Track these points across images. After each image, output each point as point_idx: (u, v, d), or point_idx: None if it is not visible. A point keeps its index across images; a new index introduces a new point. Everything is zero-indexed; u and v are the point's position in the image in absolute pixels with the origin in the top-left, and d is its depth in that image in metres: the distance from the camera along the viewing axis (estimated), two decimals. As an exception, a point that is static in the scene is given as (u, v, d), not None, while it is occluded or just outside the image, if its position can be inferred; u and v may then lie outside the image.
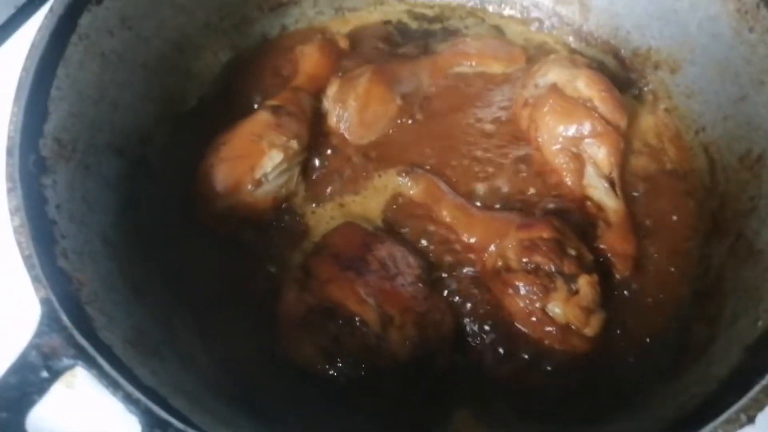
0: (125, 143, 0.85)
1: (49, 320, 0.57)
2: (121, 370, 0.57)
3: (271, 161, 0.87)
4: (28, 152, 0.67)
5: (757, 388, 0.56)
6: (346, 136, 0.94)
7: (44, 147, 0.70)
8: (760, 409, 0.55)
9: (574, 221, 0.88)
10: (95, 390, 0.89)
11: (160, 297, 0.79)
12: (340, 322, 0.77)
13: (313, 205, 0.92)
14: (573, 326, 0.79)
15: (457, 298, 0.84)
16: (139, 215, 0.84)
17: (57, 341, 0.56)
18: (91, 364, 0.55)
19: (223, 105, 0.99)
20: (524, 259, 0.81)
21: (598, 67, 1.01)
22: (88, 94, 0.79)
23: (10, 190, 0.63)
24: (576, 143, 0.90)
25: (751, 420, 0.55)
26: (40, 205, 0.66)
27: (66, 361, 0.56)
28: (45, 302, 0.58)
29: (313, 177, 0.93)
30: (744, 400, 0.55)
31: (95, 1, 0.79)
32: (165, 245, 0.84)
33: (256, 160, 0.86)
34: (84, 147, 0.77)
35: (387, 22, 1.11)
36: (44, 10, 1.21)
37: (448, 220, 0.89)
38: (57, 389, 0.93)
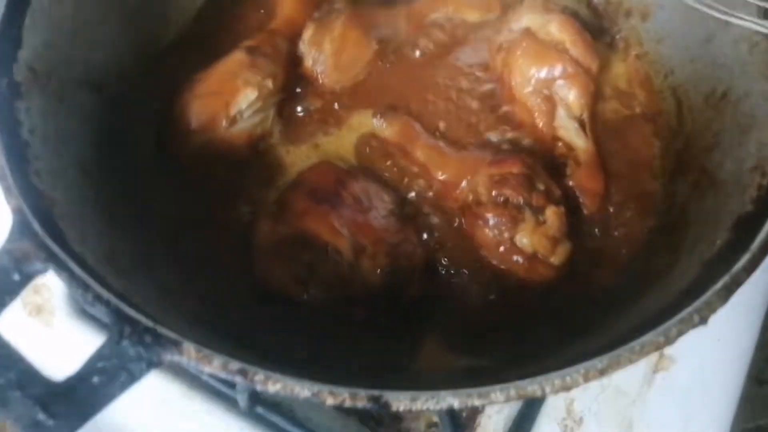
0: (102, 79, 0.86)
1: (21, 227, 0.58)
2: (91, 275, 0.58)
3: (246, 98, 0.88)
4: (1, 75, 0.68)
5: (709, 293, 0.59)
6: (322, 79, 0.95)
7: (18, 72, 0.70)
8: (713, 311, 0.57)
9: (545, 160, 0.90)
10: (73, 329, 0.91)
11: (134, 229, 0.80)
12: (314, 250, 0.79)
13: (289, 145, 0.93)
14: (540, 255, 0.81)
15: (429, 231, 0.86)
16: (115, 149, 0.84)
17: (29, 246, 0.57)
18: (61, 267, 0.57)
19: (201, 46, 1.00)
20: (494, 192, 0.83)
21: (572, 15, 1.04)
22: (61, 29, 0.79)
23: (-18, 108, 0.64)
24: (548, 85, 0.92)
25: (703, 321, 0.57)
26: (14, 126, 0.67)
27: (37, 265, 0.57)
28: (17, 212, 0.59)
29: (289, 118, 0.95)
30: (697, 303, 0.58)
31: (69, -67, 0.80)
32: (141, 180, 0.85)
33: (230, 97, 0.88)
34: (59, 79, 0.77)
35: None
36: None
37: (421, 159, 0.91)
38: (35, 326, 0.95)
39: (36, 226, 0.59)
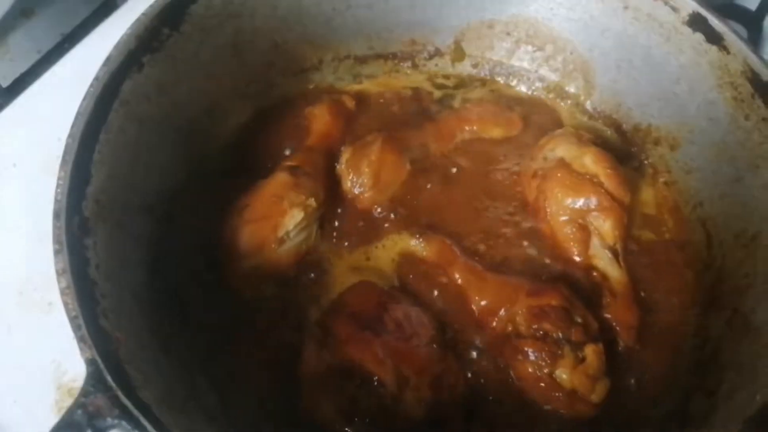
0: (155, 201, 0.89)
1: (95, 380, 0.60)
2: (157, 427, 0.60)
3: (293, 220, 0.92)
4: (72, 214, 0.71)
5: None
6: (361, 200, 0.99)
7: (86, 209, 0.74)
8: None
9: (580, 290, 0.93)
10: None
11: (185, 355, 0.82)
12: (359, 382, 0.81)
13: (332, 260, 0.96)
14: (579, 392, 0.82)
15: (470, 360, 0.88)
16: (166, 273, 0.87)
17: (102, 401, 0.59)
18: (134, 424, 0.58)
19: (245, 164, 1.04)
20: (534, 326, 0.85)
21: (601, 139, 1.09)
22: (125, 158, 0.83)
23: (57, 252, 0.67)
24: (582, 215, 0.96)
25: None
26: (83, 267, 0.70)
27: (110, 421, 0.58)
28: (91, 363, 0.61)
29: (331, 234, 0.98)
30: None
31: (137, 69, 0.84)
32: (190, 303, 0.88)
33: (278, 219, 0.91)
34: (120, 207, 0.81)
35: (404, 89, 1.16)
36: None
37: (460, 282, 0.94)
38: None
39: (108, 377, 0.61)
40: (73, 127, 0.75)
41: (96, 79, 0.79)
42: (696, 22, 0.94)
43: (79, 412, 0.58)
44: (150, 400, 0.64)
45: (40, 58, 1.32)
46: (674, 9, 0.95)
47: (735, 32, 0.91)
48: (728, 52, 0.91)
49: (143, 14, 0.86)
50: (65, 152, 0.73)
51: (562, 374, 0.83)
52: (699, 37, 0.94)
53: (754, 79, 0.89)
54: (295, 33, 1.07)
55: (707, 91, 0.95)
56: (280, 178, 0.95)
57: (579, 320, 0.86)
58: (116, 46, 0.82)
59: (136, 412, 0.59)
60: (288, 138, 1.07)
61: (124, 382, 0.62)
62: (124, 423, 0.58)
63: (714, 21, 0.92)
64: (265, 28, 1.03)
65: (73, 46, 1.33)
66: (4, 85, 1.27)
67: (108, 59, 0.81)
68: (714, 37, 0.92)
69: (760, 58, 0.88)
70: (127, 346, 0.69)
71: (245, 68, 1.04)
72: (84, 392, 0.60)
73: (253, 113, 1.08)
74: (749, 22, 1.44)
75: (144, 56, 0.85)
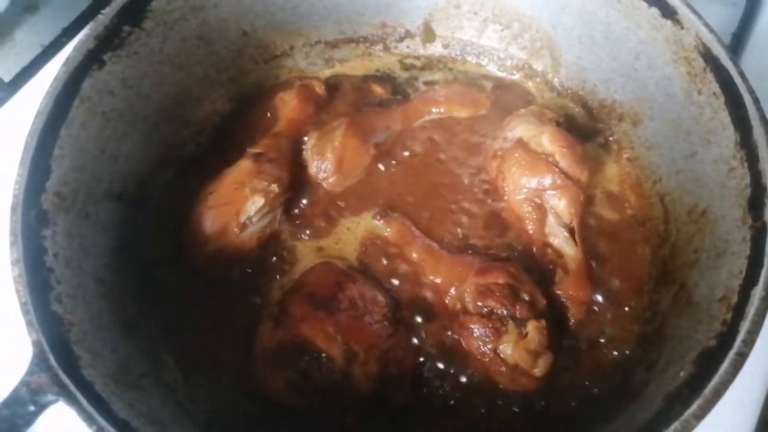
0: (124, 189, 0.94)
1: (39, 360, 0.66)
2: (98, 405, 0.65)
3: (254, 205, 0.95)
4: (29, 208, 0.76)
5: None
6: (325, 184, 1.02)
7: (45, 201, 0.79)
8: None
9: (534, 267, 0.95)
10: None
11: (148, 332, 0.88)
12: (309, 357, 0.85)
13: (295, 243, 1.00)
14: (521, 367, 0.85)
15: (419, 335, 0.91)
16: (133, 256, 0.92)
17: (44, 379, 0.65)
18: (71, 400, 0.64)
19: (219, 151, 1.08)
20: (479, 303, 0.87)
21: (569, 116, 1.09)
22: (88, 150, 0.88)
23: (12, 244, 0.73)
24: (538, 194, 0.97)
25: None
26: (39, 255, 0.75)
27: (50, 397, 0.64)
28: (36, 344, 0.67)
29: (295, 217, 1.02)
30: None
31: (97, 67, 0.89)
32: (156, 283, 0.93)
33: (240, 205, 0.95)
34: (84, 197, 0.86)
35: (378, 72, 1.19)
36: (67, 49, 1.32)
37: (416, 261, 0.97)
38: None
39: (51, 357, 0.67)
40: (32, 125, 0.80)
41: (55, 79, 0.84)
42: (651, -3, 0.93)
43: (24, 389, 0.64)
44: (94, 377, 0.70)
45: (41, 52, 1.38)
46: (630, -17, 0.94)
47: (689, 6, 0.90)
48: (682, 27, 0.90)
49: (102, 13, 0.90)
50: (24, 150, 0.78)
51: (506, 349, 0.85)
52: (654, 11, 0.93)
53: (705, 53, 0.88)
54: (263, 21, 1.10)
55: (664, 66, 0.94)
56: (244, 165, 0.98)
57: (526, 297, 0.88)
58: (75, 47, 0.87)
59: (73, 389, 0.65)
60: (260, 123, 1.11)
61: (68, 362, 0.68)
62: (62, 399, 0.64)
63: (667, -5, 0.91)
64: (232, 17, 1.06)
65: (71, 39, 1.39)
66: (6, 79, 1.34)
67: (67, 60, 0.85)
68: (668, 11, 0.91)
69: (712, 31, 0.87)
70: (81, 327, 0.75)
71: (215, 57, 1.08)
72: (29, 371, 0.66)
73: (227, 99, 1.12)
74: None
75: (104, 54, 0.89)
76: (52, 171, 0.81)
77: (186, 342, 0.91)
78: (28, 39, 1.41)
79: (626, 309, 0.93)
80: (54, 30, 1.41)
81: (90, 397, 0.66)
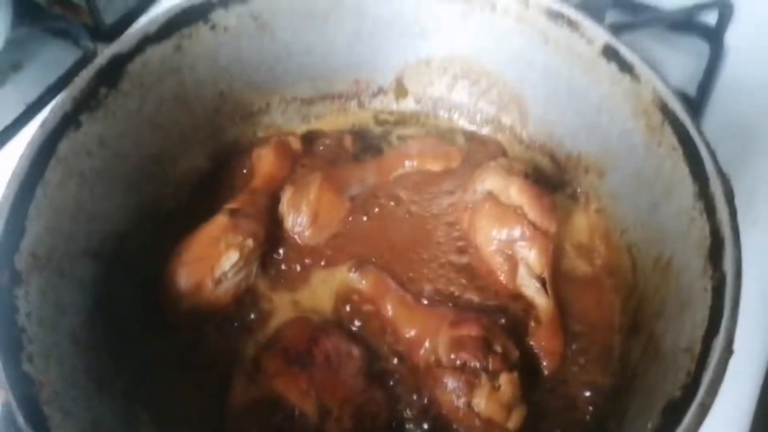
0: (101, 247, 0.95)
1: (6, 422, 0.66)
2: (65, 469, 0.65)
3: (229, 261, 0.96)
4: (2, 268, 0.77)
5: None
6: (300, 238, 1.04)
7: (19, 261, 0.80)
8: None
9: (507, 318, 0.96)
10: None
11: (123, 389, 0.88)
12: (282, 413, 0.85)
13: (271, 297, 1.01)
14: (494, 420, 0.85)
15: (395, 389, 0.92)
16: (109, 313, 0.93)
17: (11, 442, 0.65)
18: (37, 464, 0.64)
19: (197, 207, 1.09)
20: (452, 356, 0.88)
21: (537, 168, 1.12)
22: (65, 209, 0.89)
23: (-18, 305, 0.73)
24: (509, 246, 0.99)
25: None
26: (11, 315, 0.76)
27: (17, 461, 0.64)
28: (5, 405, 0.67)
29: (272, 271, 1.03)
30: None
31: (74, 128, 0.91)
32: (132, 341, 0.93)
33: (215, 260, 0.96)
34: (59, 256, 0.87)
35: (353, 127, 1.22)
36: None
37: (390, 314, 0.98)
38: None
39: (20, 419, 0.67)
40: (6, 188, 0.82)
41: (31, 141, 0.85)
42: (609, 53, 0.97)
43: (-11, 452, 0.64)
44: (64, 439, 0.70)
45: (24, 111, 1.41)
46: (589, 41, 0.98)
47: (645, 61, 0.94)
48: (639, 81, 0.94)
49: (79, 76, 0.92)
50: (-2, 211, 0.80)
51: (480, 403, 0.86)
52: (613, 67, 0.97)
53: (662, 107, 0.91)
54: (239, 81, 1.13)
55: (624, 120, 0.97)
56: (219, 221, 1.00)
57: (498, 349, 0.89)
58: (52, 109, 0.89)
59: (40, 452, 0.64)
60: (237, 179, 1.13)
61: (37, 423, 0.68)
62: (29, 462, 0.64)
63: (625, 51, 0.95)
64: (208, 79, 1.09)
65: (54, 98, 1.41)
66: (-12, 139, 1.36)
67: (43, 122, 0.87)
68: (626, 67, 0.95)
69: (667, 86, 0.91)
70: (54, 386, 0.75)
71: (192, 116, 1.10)
72: (-5, 432, 0.65)
73: (205, 157, 1.14)
74: (710, 37, 1.46)
75: (81, 115, 0.91)
76: (27, 231, 0.82)
77: (161, 399, 0.91)
78: (11, 97, 1.44)
79: (598, 360, 0.94)
80: (38, 88, 1.44)
81: (57, 460, 0.66)
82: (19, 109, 1.42)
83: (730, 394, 0.70)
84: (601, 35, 0.97)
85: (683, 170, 0.87)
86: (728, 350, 0.71)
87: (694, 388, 0.70)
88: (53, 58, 1.49)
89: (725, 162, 0.85)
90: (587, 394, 0.91)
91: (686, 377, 0.73)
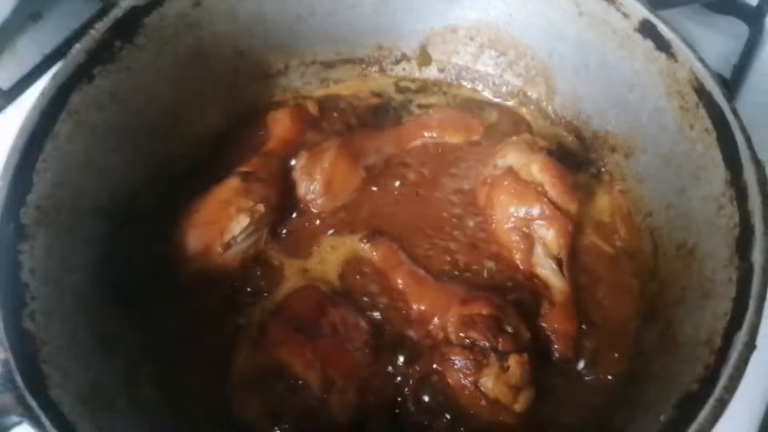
0: (110, 204, 0.93)
1: (5, 380, 0.65)
2: (62, 429, 0.64)
3: (239, 225, 0.95)
4: (7, 222, 0.76)
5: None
6: (313, 205, 1.01)
7: (25, 215, 0.79)
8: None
9: (520, 298, 0.94)
10: None
11: (126, 350, 0.87)
12: (285, 383, 0.84)
13: (280, 264, 0.99)
14: (501, 401, 0.83)
15: (400, 364, 0.90)
16: (116, 271, 0.91)
17: (9, 399, 0.64)
18: (35, 422, 0.63)
19: (211, 168, 1.07)
20: (461, 334, 0.86)
21: (562, 145, 1.08)
22: (74, 163, 0.87)
23: (-15, 258, 0.72)
24: (527, 224, 0.96)
25: None
26: (14, 271, 0.75)
27: (14, 418, 0.63)
28: (4, 363, 0.66)
29: (281, 238, 1.01)
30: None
31: (86, 81, 0.88)
32: (138, 301, 0.92)
33: (224, 224, 0.94)
34: (67, 211, 0.85)
35: (373, 94, 1.18)
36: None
37: (401, 287, 0.95)
38: None
39: (18, 377, 0.66)
40: (16, 138, 0.80)
41: (42, 92, 0.83)
42: (646, 29, 0.92)
43: (-13, 408, 0.63)
44: (63, 398, 0.69)
45: (41, 61, 1.39)
46: (626, 15, 0.94)
47: (684, 40, 0.89)
48: (676, 60, 0.89)
49: (94, 28, 0.90)
50: (5, 163, 0.78)
51: (487, 383, 0.84)
52: (649, 44, 0.92)
53: (699, 88, 0.87)
54: (258, 40, 1.09)
55: (657, 99, 0.93)
56: (231, 184, 0.98)
57: (509, 330, 0.86)
58: (65, 60, 0.86)
59: (38, 411, 0.64)
60: (252, 142, 1.10)
61: (35, 382, 0.67)
62: (26, 421, 0.63)
63: (663, 28, 0.90)
64: (227, 36, 1.06)
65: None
66: (5, 87, 1.34)
67: (56, 73, 0.85)
68: (663, 45, 0.91)
69: (706, 66, 0.86)
70: (55, 345, 0.74)
71: (209, 74, 1.07)
72: (-6, 390, 0.65)
73: (221, 116, 1.11)
74: (750, 18, 1.40)
75: (94, 68, 0.89)
76: (34, 184, 0.81)
77: (164, 362, 0.90)
78: (30, 47, 1.41)
79: (613, 344, 0.91)
80: (56, 39, 1.41)
81: (56, 419, 0.65)
82: (37, 59, 1.39)
83: (743, 390, 0.67)
84: (638, 10, 0.92)
85: (716, 155, 0.83)
86: (750, 345, 0.68)
87: (712, 382, 0.67)
88: (73, 9, 1.45)
89: (759, 149, 0.80)
90: (598, 379, 0.88)
91: (704, 370, 0.70)
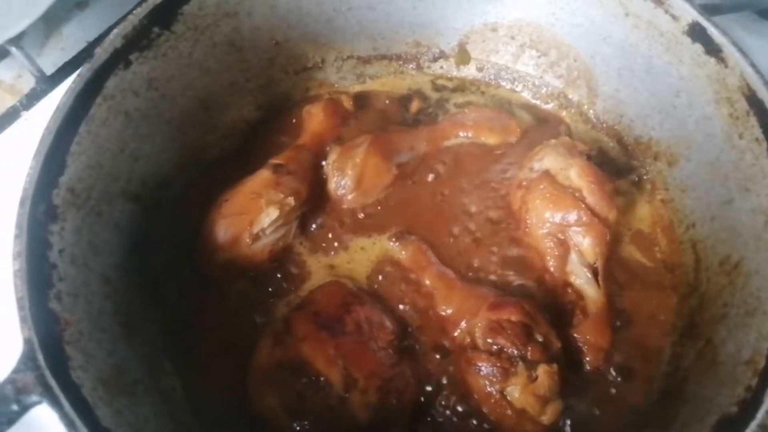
0: (141, 189, 0.93)
1: (27, 359, 0.65)
2: (81, 410, 0.64)
3: (268, 217, 0.94)
4: (39, 202, 0.76)
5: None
6: (344, 201, 1.00)
7: (56, 196, 0.79)
8: None
9: (552, 306, 0.90)
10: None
11: (149, 336, 0.87)
12: (306, 379, 0.82)
13: (307, 259, 0.98)
14: (528, 412, 0.80)
15: (424, 367, 0.88)
16: (144, 257, 0.91)
17: (30, 378, 0.64)
18: (54, 402, 0.63)
19: (243, 158, 1.07)
20: (489, 340, 0.83)
21: (602, 151, 1.05)
22: (107, 148, 0.87)
23: (16, 237, 0.72)
24: (562, 230, 0.93)
25: None
26: (43, 251, 0.75)
27: (34, 398, 0.63)
28: (27, 342, 0.66)
29: (310, 232, 1.00)
30: None
31: (123, 66, 0.89)
32: (164, 287, 0.92)
33: (254, 216, 0.93)
34: (98, 195, 0.85)
35: (409, 91, 1.16)
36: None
37: (429, 288, 0.93)
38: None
39: (40, 356, 0.66)
40: (51, 120, 0.80)
41: (78, 75, 0.83)
42: (695, 32, 0.89)
43: (8, 387, 0.63)
44: (84, 380, 0.68)
45: (84, 48, 1.40)
46: (674, 18, 0.90)
47: (735, 44, 0.85)
48: (726, 65, 0.86)
49: (132, 14, 0.90)
50: (39, 144, 0.78)
51: (513, 392, 0.81)
52: (698, 47, 0.89)
53: (750, 95, 0.83)
54: (296, 32, 1.08)
55: (705, 106, 0.89)
56: (262, 176, 0.97)
57: (539, 338, 0.83)
58: (102, 45, 0.87)
59: (58, 391, 0.63)
60: (284, 134, 1.10)
61: (57, 362, 0.67)
62: (46, 401, 0.63)
63: (713, 31, 0.86)
64: (265, 26, 1.05)
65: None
66: (49, 73, 1.36)
67: (93, 57, 0.85)
68: (713, 49, 0.87)
69: (758, 73, 0.82)
70: (79, 327, 0.74)
71: (245, 65, 1.07)
72: (16, 369, 0.64)
73: (255, 107, 1.11)
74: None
75: (131, 54, 0.89)
76: (67, 166, 0.81)
77: (187, 349, 0.89)
78: (75, 34, 1.43)
79: (646, 360, 0.88)
80: (100, 27, 1.42)
81: (74, 400, 0.64)
82: (80, 46, 1.41)
83: None
84: (688, 12, 0.89)
85: (766, 165, 0.79)
86: (797, 368, 0.64)
87: (753, 405, 0.64)
88: (117, -4, 1.46)
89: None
90: (628, 396, 0.85)
91: (745, 392, 0.66)
